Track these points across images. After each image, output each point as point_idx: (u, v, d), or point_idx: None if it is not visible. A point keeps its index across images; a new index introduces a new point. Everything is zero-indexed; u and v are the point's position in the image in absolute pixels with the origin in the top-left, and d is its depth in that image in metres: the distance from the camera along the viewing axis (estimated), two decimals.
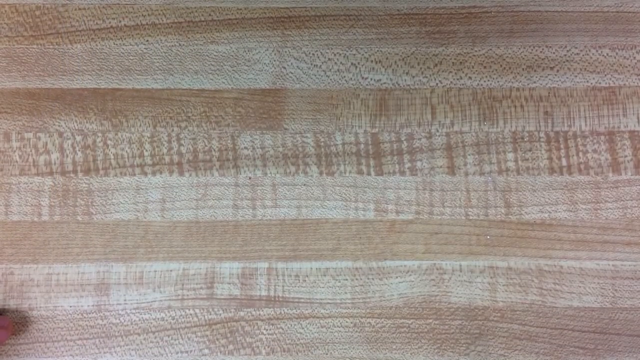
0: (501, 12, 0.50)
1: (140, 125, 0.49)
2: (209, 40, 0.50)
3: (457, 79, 0.50)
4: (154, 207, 0.48)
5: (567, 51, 0.50)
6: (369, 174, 0.49)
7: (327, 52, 0.50)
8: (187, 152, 0.49)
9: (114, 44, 0.50)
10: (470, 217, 0.48)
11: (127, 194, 0.48)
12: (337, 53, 0.50)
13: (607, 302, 0.47)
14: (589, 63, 0.50)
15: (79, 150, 0.49)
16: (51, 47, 0.50)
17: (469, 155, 0.49)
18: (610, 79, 0.50)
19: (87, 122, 0.49)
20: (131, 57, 0.50)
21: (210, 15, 0.50)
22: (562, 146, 0.49)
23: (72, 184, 0.48)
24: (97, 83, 0.49)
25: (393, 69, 0.50)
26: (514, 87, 0.50)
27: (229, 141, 0.49)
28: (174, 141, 0.49)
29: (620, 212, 0.48)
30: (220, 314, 0.47)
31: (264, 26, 0.50)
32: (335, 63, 0.50)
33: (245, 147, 0.49)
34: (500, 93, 0.50)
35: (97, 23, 0.50)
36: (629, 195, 0.49)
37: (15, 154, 0.49)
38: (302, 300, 0.48)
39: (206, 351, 0.47)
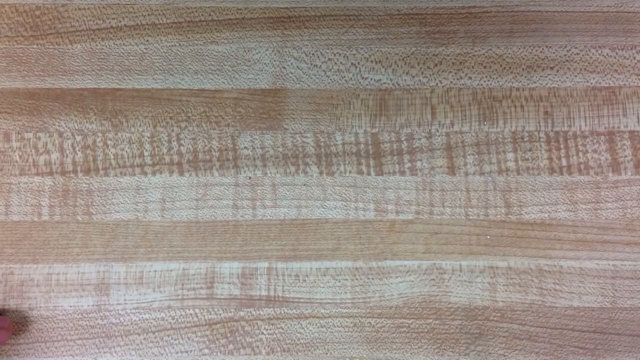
0: (501, 12, 0.50)
1: (140, 125, 0.49)
2: (209, 40, 0.50)
3: (457, 79, 0.50)
4: (154, 207, 0.48)
5: (567, 51, 0.50)
6: (369, 174, 0.49)
7: (327, 52, 0.50)
8: (187, 152, 0.49)
9: (114, 44, 0.50)
10: (470, 217, 0.48)
11: (127, 194, 0.48)
12: (337, 53, 0.50)
13: (607, 302, 0.47)
14: (589, 63, 0.50)
15: (79, 150, 0.49)
16: (51, 47, 0.50)
17: (469, 155, 0.49)
18: (610, 79, 0.50)
19: (87, 122, 0.49)
20: (131, 57, 0.50)
21: (210, 15, 0.50)
22: (562, 146, 0.49)
23: (72, 184, 0.48)
24: (97, 83, 0.49)
25: (393, 69, 0.50)
26: (514, 87, 0.50)
27: (229, 141, 0.49)
28: (174, 141, 0.49)
29: (620, 212, 0.48)
30: (220, 314, 0.47)
31: (264, 26, 0.50)
32: (335, 63, 0.50)
33: (245, 147, 0.49)
34: (500, 93, 0.50)
35: (97, 23, 0.50)
36: (629, 195, 0.49)
37: (15, 154, 0.49)
38: (302, 300, 0.48)
39: (206, 351, 0.47)
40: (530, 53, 0.50)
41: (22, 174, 0.48)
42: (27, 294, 0.47)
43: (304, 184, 0.49)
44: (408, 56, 0.50)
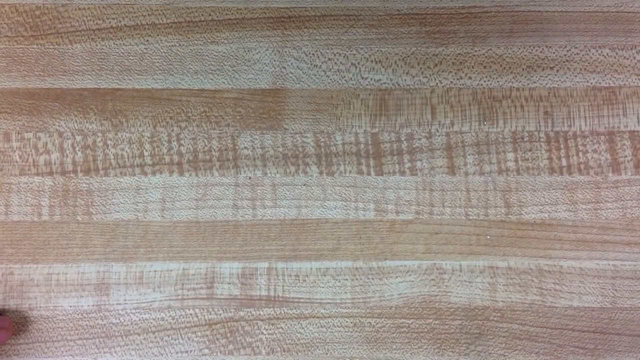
0: (501, 12, 0.50)
1: (140, 125, 0.49)
2: (209, 40, 0.50)
3: (457, 79, 0.50)
4: (154, 207, 0.48)
5: (567, 51, 0.50)
6: (369, 174, 0.49)
7: (327, 52, 0.50)
8: (187, 152, 0.49)
9: (114, 44, 0.50)
10: (470, 217, 0.48)
11: (127, 194, 0.48)
12: (337, 53, 0.50)
13: (607, 302, 0.47)
14: (589, 63, 0.50)
15: (79, 150, 0.49)
16: (51, 47, 0.50)
17: (469, 155, 0.49)
18: (610, 79, 0.50)
19: (87, 122, 0.49)
20: (131, 57, 0.50)
21: (210, 15, 0.50)
22: (562, 146, 0.49)
23: (72, 184, 0.48)
24: (97, 83, 0.49)
25: (393, 69, 0.50)
26: (514, 87, 0.50)
27: (229, 141, 0.49)
28: (174, 141, 0.49)
29: (620, 212, 0.48)
30: (220, 314, 0.47)
31: (264, 26, 0.50)
32: (335, 63, 0.50)
33: (245, 147, 0.49)
34: (500, 93, 0.50)
35: (97, 23, 0.50)
36: (629, 195, 0.49)
37: (15, 154, 0.49)
38: (302, 300, 0.48)
39: (206, 351, 0.47)
40: (530, 53, 0.50)
41: (22, 174, 0.48)
42: (27, 294, 0.47)
43: (304, 184, 0.49)
44: (408, 56, 0.50)
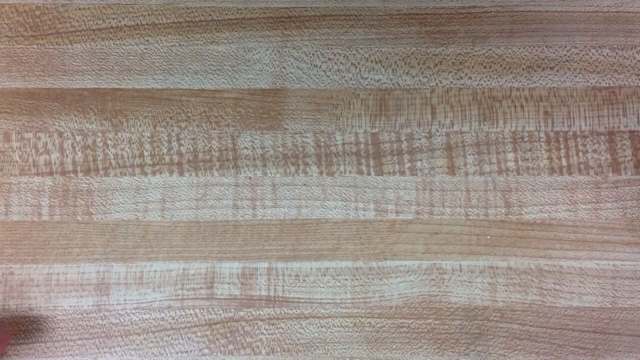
0: (501, 12, 0.50)
1: (140, 125, 0.49)
2: (209, 40, 0.50)
3: (457, 79, 0.50)
4: (154, 207, 0.48)
5: (567, 51, 0.50)
6: (369, 174, 0.49)
7: (327, 52, 0.50)
8: (187, 152, 0.49)
9: (114, 44, 0.50)
10: (470, 217, 0.48)
11: (127, 194, 0.48)
12: (337, 53, 0.50)
13: (607, 302, 0.47)
14: (589, 63, 0.50)
15: (79, 150, 0.49)
16: (51, 47, 0.50)
17: (469, 155, 0.49)
18: (610, 79, 0.50)
19: (87, 122, 0.49)
20: (131, 57, 0.50)
21: (210, 15, 0.50)
22: (562, 146, 0.49)
23: (72, 184, 0.48)
24: (97, 83, 0.49)
25: (393, 69, 0.50)
26: (514, 87, 0.50)
27: (229, 141, 0.49)
28: (174, 141, 0.49)
29: (620, 212, 0.48)
30: (220, 314, 0.47)
31: (264, 26, 0.50)
32: (335, 63, 0.50)
33: (245, 147, 0.49)
34: (500, 93, 0.50)
35: (97, 23, 0.50)
36: (629, 195, 0.49)
37: (15, 154, 0.49)
38: (302, 300, 0.48)
39: (206, 351, 0.47)
40: (530, 53, 0.50)
41: (22, 174, 0.48)
42: (27, 294, 0.47)
43: (304, 184, 0.49)
44: (408, 56, 0.50)
